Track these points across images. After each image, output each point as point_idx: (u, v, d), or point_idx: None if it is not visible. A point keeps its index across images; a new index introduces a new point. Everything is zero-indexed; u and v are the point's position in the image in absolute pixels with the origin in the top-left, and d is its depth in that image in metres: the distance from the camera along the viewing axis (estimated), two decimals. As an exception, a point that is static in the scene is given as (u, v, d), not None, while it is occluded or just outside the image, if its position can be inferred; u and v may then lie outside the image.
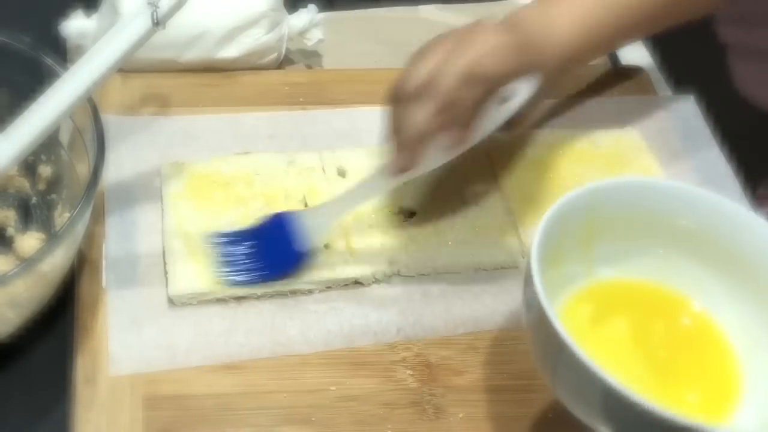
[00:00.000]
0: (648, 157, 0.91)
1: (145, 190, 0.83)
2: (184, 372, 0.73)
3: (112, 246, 0.79)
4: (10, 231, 0.79)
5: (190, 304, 0.77)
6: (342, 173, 0.86)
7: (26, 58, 0.78)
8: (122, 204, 0.82)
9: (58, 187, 0.80)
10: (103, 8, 0.93)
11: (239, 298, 0.77)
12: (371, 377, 0.74)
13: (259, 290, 0.78)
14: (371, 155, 0.87)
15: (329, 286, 0.79)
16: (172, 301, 0.76)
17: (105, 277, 0.77)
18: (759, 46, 1.04)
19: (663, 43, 1.03)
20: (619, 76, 1.00)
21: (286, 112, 0.92)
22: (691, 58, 1.01)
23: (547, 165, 0.88)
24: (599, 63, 1.02)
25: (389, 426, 0.72)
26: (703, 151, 0.93)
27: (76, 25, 0.93)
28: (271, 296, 0.78)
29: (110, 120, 0.85)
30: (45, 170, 0.81)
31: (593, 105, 0.96)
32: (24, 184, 0.81)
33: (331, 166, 0.86)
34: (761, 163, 1.01)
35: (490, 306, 0.79)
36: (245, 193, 0.83)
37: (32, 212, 0.81)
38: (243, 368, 0.74)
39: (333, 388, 0.73)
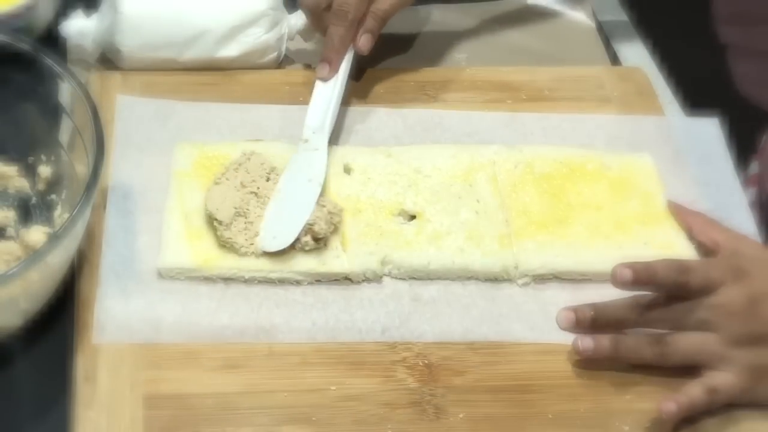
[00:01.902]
0: (655, 185, 0.87)
1: (152, 169, 0.84)
2: (183, 371, 0.73)
3: (112, 221, 0.80)
4: (10, 231, 0.79)
5: (178, 278, 0.78)
6: (348, 170, 0.86)
7: (26, 58, 0.78)
8: (127, 182, 0.83)
9: (58, 187, 0.80)
10: (103, 8, 0.93)
11: (227, 280, 0.78)
12: (371, 377, 0.74)
13: (246, 274, 0.78)
14: (377, 154, 0.87)
15: (318, 279, 0.79)
16: (161, 275, 0.77)
17: (103, 249, 0.78)
18: (759, 46, 1.04)
19: (663, 43, 1.03)
20: (619, 76, 1.00)
21: (297, 107, 0.91)
22: (691, 58, 1.01)
23: (552, 180, 0.87)
24: (599, 63, 1.02)
25: (389, 426, 0.72)
26: (718, 178, 0.90)
27: (76, 25, 0.93)
28: (259, 282, 0.78)
29: (125, 100, 0.88)
30: (45, 170, 0.81)
31: (609, 122, 0.93)
32: (24, 184, 0.81)
33: (338, 162, 0.86)
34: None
35: (478, 317, 0.78)
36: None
37: (32, 212, 0.81)
38: (243, 367, 0.74)
39: (333, 387, 0.73)
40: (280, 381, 0.73)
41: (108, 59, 0.94)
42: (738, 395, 0.73)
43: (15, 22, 0.91)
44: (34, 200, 0.81)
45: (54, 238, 0.68)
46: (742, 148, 0.94)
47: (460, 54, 1.02)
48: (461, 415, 0.73)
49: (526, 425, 0.73)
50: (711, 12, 1.02)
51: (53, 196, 0.80)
